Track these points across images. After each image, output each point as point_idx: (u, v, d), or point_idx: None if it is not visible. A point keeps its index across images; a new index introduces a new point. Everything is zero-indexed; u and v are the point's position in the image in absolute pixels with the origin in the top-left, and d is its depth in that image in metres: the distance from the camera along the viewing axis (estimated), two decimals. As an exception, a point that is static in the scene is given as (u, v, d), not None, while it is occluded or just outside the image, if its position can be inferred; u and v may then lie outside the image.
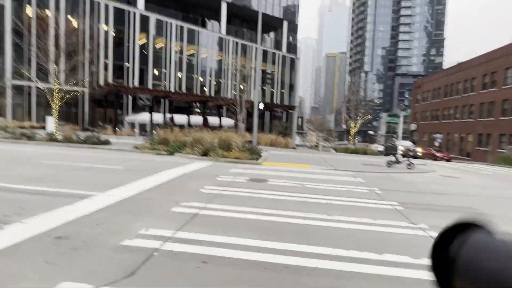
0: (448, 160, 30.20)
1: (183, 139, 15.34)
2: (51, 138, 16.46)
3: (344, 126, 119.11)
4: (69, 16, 29.20)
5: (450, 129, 38.95)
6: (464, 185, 10.43)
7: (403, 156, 15.00)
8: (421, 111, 47.35)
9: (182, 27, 39.77)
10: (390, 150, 27.23)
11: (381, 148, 49.93)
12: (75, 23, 28.33)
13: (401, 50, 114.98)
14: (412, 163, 13.65)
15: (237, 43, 45.61)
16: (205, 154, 13.34)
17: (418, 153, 20.28)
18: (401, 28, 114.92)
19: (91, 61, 29.80)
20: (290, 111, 42.56)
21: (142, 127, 28.41)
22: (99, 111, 32.49)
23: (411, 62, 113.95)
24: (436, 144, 36.96)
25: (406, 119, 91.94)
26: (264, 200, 6.31)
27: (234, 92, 42.83)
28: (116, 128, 21.49)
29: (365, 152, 24.05)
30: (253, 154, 13.47)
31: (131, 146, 15.78)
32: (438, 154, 31.18)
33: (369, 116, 29.45)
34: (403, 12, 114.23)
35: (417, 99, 50.03)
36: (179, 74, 40.13)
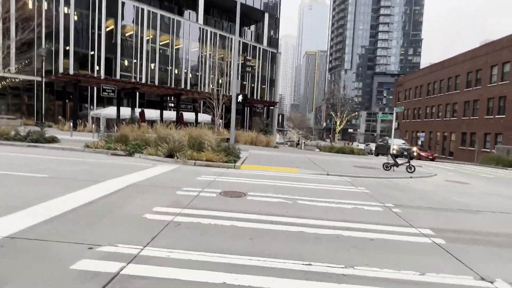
0: (432, 160, 29.31)
1: (145, 137, 12.83)
2: (-19, 134, 13.42)
3: (324, 124, 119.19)
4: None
5: (433, 128, 38.42)
6: (485, 195, 8.72)
7: (396, 156, 13.24)
8: (403, 109, 46.74)
9: (155, 14, 36.61)
10: (381, 150, 25.49)
11: (362, 146, 49.19)
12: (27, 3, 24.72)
13: (380, 49, 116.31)
14: (413, 166, 11.91)
15: (215, 34, 42.93)
16: (170, 155, 10.94)
17: (414, 153, 18.75)
18: (380, 28, 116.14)
19: (42, 45, 26.13)
20: (271, 107, 40.58)
21: (106, 122, 25.37)
22: (59, 104, 28.94)
23: (390, 61, 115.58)
24: (419, 142, 36.22)
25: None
26: (240, 232, 4.10)
27: (212, 86, 40.30)
28: (70, 124, 18.48)
29: (352, 152, 22.42)
30: (230, 155, 11.22)
31: (83, 144, 13.08)
32: (423, 153, 30.22)
33: (355, 113, 27.95)
34: (382, 11, 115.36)
35: (398, 97, 49.51)
36: (151, 66, 36.98)
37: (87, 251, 3.22)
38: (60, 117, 26.60)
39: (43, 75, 27.01)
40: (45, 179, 6.58)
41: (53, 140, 13.68)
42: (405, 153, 13.82)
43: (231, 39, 44.25)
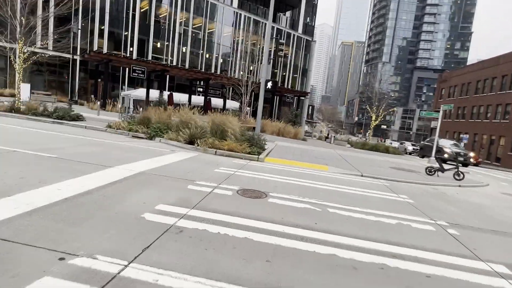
0: (476, 165, 26.72)
1: (168, 120, 12.29)
2: (12, 108, 13.58)
3: (356, 119, 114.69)
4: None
5: (478, 130, 35.08)
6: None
7: (443, 160, 11.64)
8: (445, 107, 43.16)
9: (189, -4, 36.02)
10: (428, 152, 21.87)
11: (396, 144, 46.25)
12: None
13: (424, 42, 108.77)
14: (462, 172, 10.37)
15: (249, 18, 41.68)
16: (191, 141, 10.28)
17: (470, 159, 16.35)
18: (426, 18, 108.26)
19: (78, 23, 26.33)
20: (302, 97, 39.05)
21: (135, 103, 25.43)
22: (92, 83, 29.50)
23: (433, 55, 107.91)
24: (462, 145, 33.25)
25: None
26: (255, 250, 3.23)
27: (242, 72, 39.42)
28: (98, 103, 18.50)
29: (386, 150, 20.73)
30: (254, 146, 10.35)
31: (106, 124, 12.82)
32: (466, 157, 27.61)
33: (393, 108, 25.91)
34: (429, 1, 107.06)
35: (441, 94, 45.81)
36: (183, 49, 36.69)
37: (56, 263, 2.50)
38: (92, 96, 27.08)
39: (78, 52, 27.51)
40: (53, 159, 6.08)
41: (78, 118, 13.57)
42: (461, 158, 11.95)
43: (265, 24, 42.82)
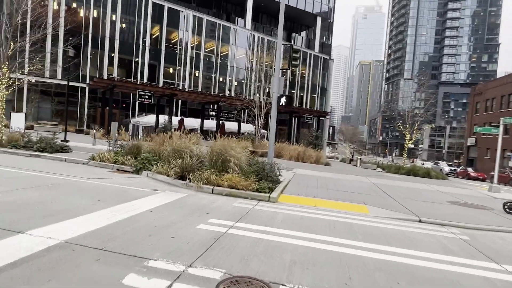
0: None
1: (160, 149, 10.12)
2: (-11, 140, 11.97)
3: (380, 138, 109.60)
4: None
5: (527, 146, 30.80)
6: None
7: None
8: (483, 122, 39.07)
9: (201, 20, 35.33)
10: None
11: (428, 164, 41.90)
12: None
13: (447, 56, 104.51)
14: (560, 211, 7.33)
15: (263, 39, 40.48)
16: (183, 176, 7.95)
17: None
18: (447, 32, 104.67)
19: (88, 51, 25.60)
20: (322, 117, 36.47)
21: (144, 130, 23.87)
22: (100, 111, 28.55)
23: (458, 69, 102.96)
24: (510, 164, 29.08)
25: (453, 131, 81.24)
26: None
27: (258, 94, 37.66)
28: (94, 130, 16.94)
29: (428, 174, 17.48)
30: (264, 179, 7.84)
31: (91, 155, 10.83)
32: (519, 179, 23.63)
33: (432, 125, 22.77)
34: (450, 14, 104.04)
35: (476, 108, 41.77)
36: (195, 73, 35.57)
37: None
38: (98, 124, 25.93)
39: (87, 80, 26.67)
40: None
41: (62, 149, 11.72)
42: None
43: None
